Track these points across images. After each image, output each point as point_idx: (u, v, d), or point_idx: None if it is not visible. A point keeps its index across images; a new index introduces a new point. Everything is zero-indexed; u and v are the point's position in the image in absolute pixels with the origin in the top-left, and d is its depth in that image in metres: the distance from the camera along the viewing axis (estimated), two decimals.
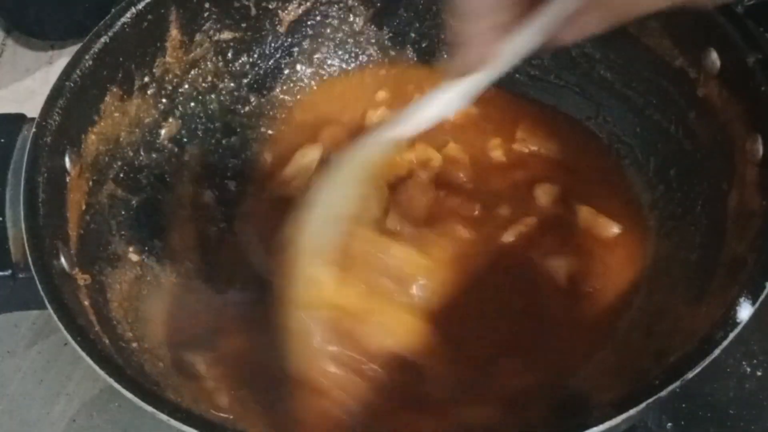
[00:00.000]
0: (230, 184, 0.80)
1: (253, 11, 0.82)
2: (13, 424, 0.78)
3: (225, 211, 0.78)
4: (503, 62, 0.56)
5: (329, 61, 0.86)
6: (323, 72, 0.86)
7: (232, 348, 0.67)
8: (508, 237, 0.72)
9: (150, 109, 0.76)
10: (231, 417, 0.64)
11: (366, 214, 0.73)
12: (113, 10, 0.72)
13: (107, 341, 0.60)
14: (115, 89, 0.72)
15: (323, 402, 0.61)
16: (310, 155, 0.79)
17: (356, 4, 0.85)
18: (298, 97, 0.85)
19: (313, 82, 0.86)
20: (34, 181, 0.62)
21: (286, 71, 0.85)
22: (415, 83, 0.85)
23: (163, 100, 0.77)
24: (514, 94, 0.83)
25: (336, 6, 0.85)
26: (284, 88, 0.85)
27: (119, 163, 0.73)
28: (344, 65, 0.87)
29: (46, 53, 1.06)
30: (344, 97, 0.85)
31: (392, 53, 0.86)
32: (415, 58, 0.87)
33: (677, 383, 0.53)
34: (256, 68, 0.84)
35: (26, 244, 0.60)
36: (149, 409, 0.53)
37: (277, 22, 0.84)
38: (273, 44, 0.84)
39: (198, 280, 0.73)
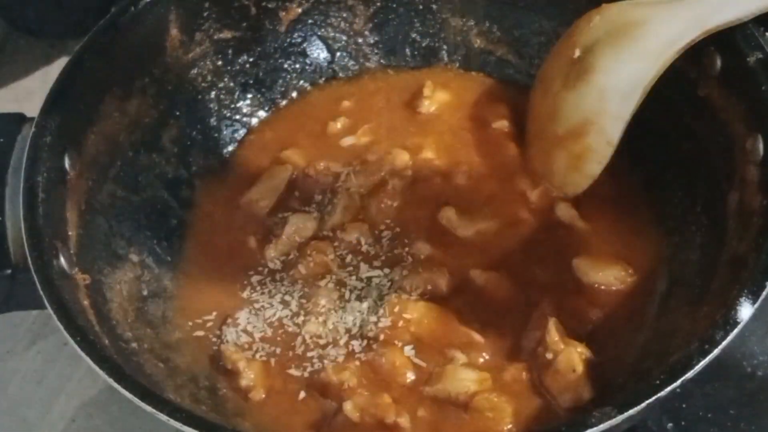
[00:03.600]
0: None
1: (253, 11, 0.82)
2: (13, 424, 0.78)
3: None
4: None
5: (328, 63, 0.86)
6: (321, 73, 0.86)
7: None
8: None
9: (150, 109, 0.76)
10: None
11: (331, 220, 0.74)
12: (113, 10, 0.72)
13: (107, 341, 0.60)
14: (115, 89, 0.72)
15: None
16: (278, 176, 0.79)
17: (356, 3, 0.85)
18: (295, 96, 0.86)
19: (308, 84, 0.86)
20: (33, 181, 0.62)
21: (286, 71, 0.85)
22: (384, 93, 0.85)
23: (163, 100, 0.77)
24: (505, 90, 0.84)
25: (336, 6, 0.85)
26: (283, 88, 0.85)
27: (119, 163, 0.72)
28: (344, 65, 0.87)
29: (46, 53, 1.06)
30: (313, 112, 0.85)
31: (391, 55, 0.87)
32: (415, 58, 0.87)
33: (677, 383, 0.53)
34: (256, 68, 0.84)
35: (26, 244, 0.60)
36: (149, 409, 0.53)
37: (276, 22, 0.84)
38: (273, 44, 0.84)
39: None
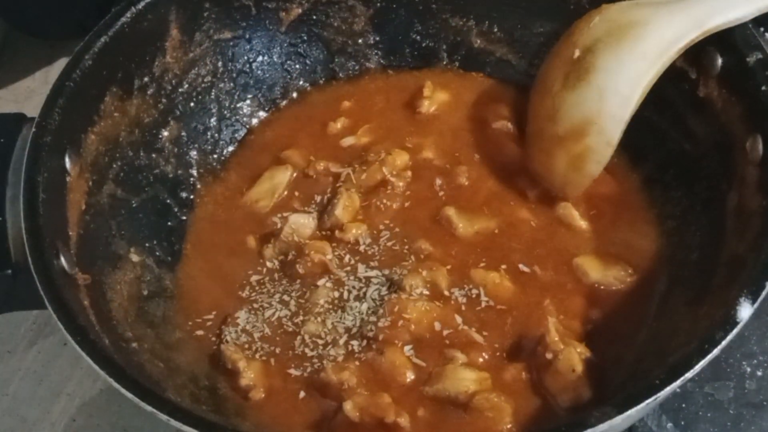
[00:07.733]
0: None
1: (253, 11, 0.82)
2: (13, 424, 0.78)
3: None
4: None
5: (328, 63, 0.86)
6: (321, 73, 0.86)
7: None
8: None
9: (150, 109, 0.76)
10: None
11: (331, 220, 0.74)
12: (113, 10, 0.72)
13: (107, 341, 0.60)
14: (115, 89, 0.72)
15: None
16: (278, 177, 0.79)
17: (356, 4, 0.85)
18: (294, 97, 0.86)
19: (308, 84, 0.86)
20: (34, 180, 0.62)
21: (286, 71, 0.85)
22: (384, 93, 0.85)
23: (163, 100, 0.77)
24: (505, 90, 0.84)
25: (336, 6, 0.85)
26: (283, 88, 0.85)
27: (119, 163, 0.73)
28: (344, 65, 0.87)
29: (46, 53, 1.07)
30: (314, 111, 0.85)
31: (391, 55, 0.87)
32: (415, 59, 0.87)
33: (677, 383, 0.53)
34: (256, 68, 0.84)
35: (26, 244, 0.60)
36: (149, 409, 0.53)
37: (277, 22, 0.84)
38: (273, 44, 0.84)
39: None
